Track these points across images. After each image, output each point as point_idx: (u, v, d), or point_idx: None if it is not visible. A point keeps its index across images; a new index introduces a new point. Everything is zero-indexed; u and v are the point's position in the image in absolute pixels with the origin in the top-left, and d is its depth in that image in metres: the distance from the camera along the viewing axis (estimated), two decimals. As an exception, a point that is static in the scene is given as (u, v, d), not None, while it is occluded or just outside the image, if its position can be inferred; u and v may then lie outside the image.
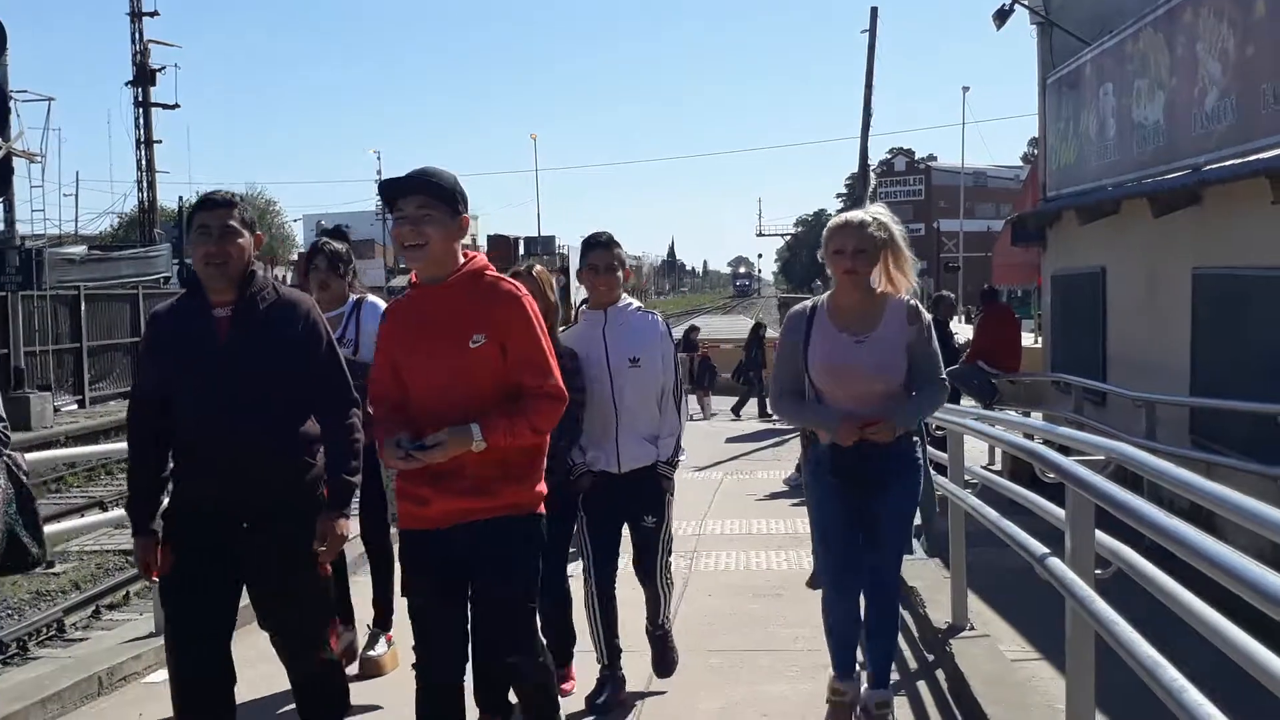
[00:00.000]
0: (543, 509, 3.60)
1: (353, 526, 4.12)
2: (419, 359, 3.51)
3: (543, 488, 3.61)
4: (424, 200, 3.42)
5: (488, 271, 3.56)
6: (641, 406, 4.78)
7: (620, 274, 4.81)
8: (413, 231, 3.41)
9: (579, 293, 5.41)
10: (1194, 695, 2.60)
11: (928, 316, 4.32)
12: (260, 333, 3.68)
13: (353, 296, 5.35)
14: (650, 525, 4.86)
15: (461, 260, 3.52)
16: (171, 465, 3.81)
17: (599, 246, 4.82)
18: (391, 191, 3.48)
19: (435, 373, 3.47)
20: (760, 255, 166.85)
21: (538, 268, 4.75)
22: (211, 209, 3.70)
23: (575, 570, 5.11)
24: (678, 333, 30.19)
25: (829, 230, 4.33)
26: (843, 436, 4.21)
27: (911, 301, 4.30)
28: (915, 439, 4.41)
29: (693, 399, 24.47)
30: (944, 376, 4.39)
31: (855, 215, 4.33)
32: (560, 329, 4.89)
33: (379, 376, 3.61)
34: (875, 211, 4.36)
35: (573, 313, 5.20)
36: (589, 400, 4.70)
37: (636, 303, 4.96)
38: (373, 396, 3.61)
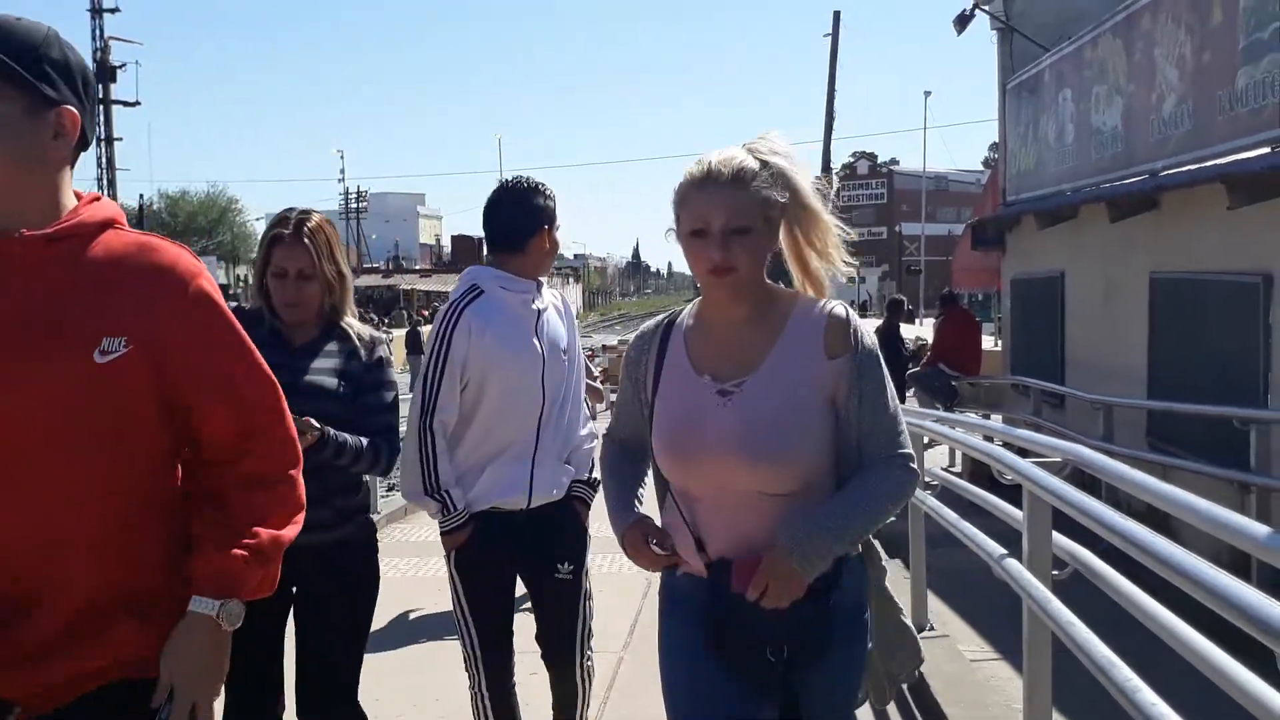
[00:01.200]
0: None
1: None
2: None
3: None
4: None
5: (119, 225, 1.91)
6: (567, 413, 3.51)
7: None
8: None
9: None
10: (1147, 695, 2.63)
11: (870, 340, 2.34)
12: None
13: None
14: (566, 575, 3.46)
15: (71, 203, 1.87)
16: None
17: (542, 196, 3.46)
18: None
19: (9, 419, 1.75)
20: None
21: (316, 216, 3.19)
22: None
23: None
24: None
25: (679, 193, 2.32)
26: (629, 552, 2.39)
27: (835, 310, 2.34)
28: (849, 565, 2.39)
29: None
30: (907, 449, 2.36)
31: (727, 160, 2.26)
32: (466, 305, 3.41)
33: None
34: (763, 150, 2.31)
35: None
36: (502, 402, 3.35)
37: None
38: None
